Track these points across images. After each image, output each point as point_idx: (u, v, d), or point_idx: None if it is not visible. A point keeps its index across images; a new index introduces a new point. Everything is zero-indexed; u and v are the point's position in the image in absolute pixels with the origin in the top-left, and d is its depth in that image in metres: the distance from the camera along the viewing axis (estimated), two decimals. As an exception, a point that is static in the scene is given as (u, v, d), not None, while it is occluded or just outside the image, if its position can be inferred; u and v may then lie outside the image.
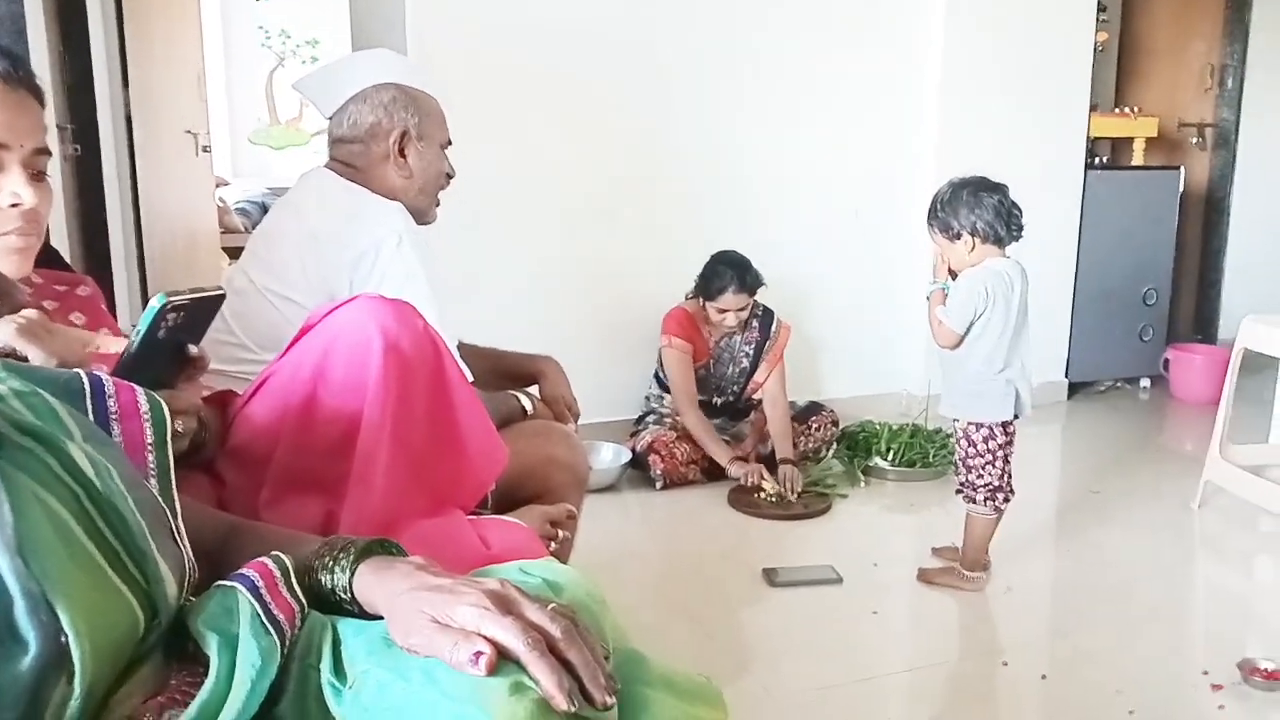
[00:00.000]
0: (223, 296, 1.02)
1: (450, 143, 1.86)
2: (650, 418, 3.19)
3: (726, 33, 3.37)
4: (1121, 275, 4.03)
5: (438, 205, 1.86)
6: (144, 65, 4.10)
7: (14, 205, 1.06)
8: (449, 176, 1.86)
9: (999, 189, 2.24)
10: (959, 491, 2.35)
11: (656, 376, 3.22)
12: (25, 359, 0.96)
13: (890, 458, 3.09)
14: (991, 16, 3.60)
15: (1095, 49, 3.86)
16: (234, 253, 4.90)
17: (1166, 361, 4.10)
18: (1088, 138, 3.90)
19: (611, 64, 3.23)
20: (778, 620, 2.22)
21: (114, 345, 1.01)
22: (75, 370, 0.90)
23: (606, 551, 2.41)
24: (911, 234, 3.62)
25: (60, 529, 0.72)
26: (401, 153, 1.75)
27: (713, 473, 3.02)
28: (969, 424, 2.31)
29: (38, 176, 1.11)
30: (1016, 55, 3.65)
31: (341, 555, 0.83)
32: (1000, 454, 2.29)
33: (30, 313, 0.99)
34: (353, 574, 0.82)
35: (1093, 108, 3.93)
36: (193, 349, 1.03)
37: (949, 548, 2.46)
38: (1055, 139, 3.80)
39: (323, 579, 0.83)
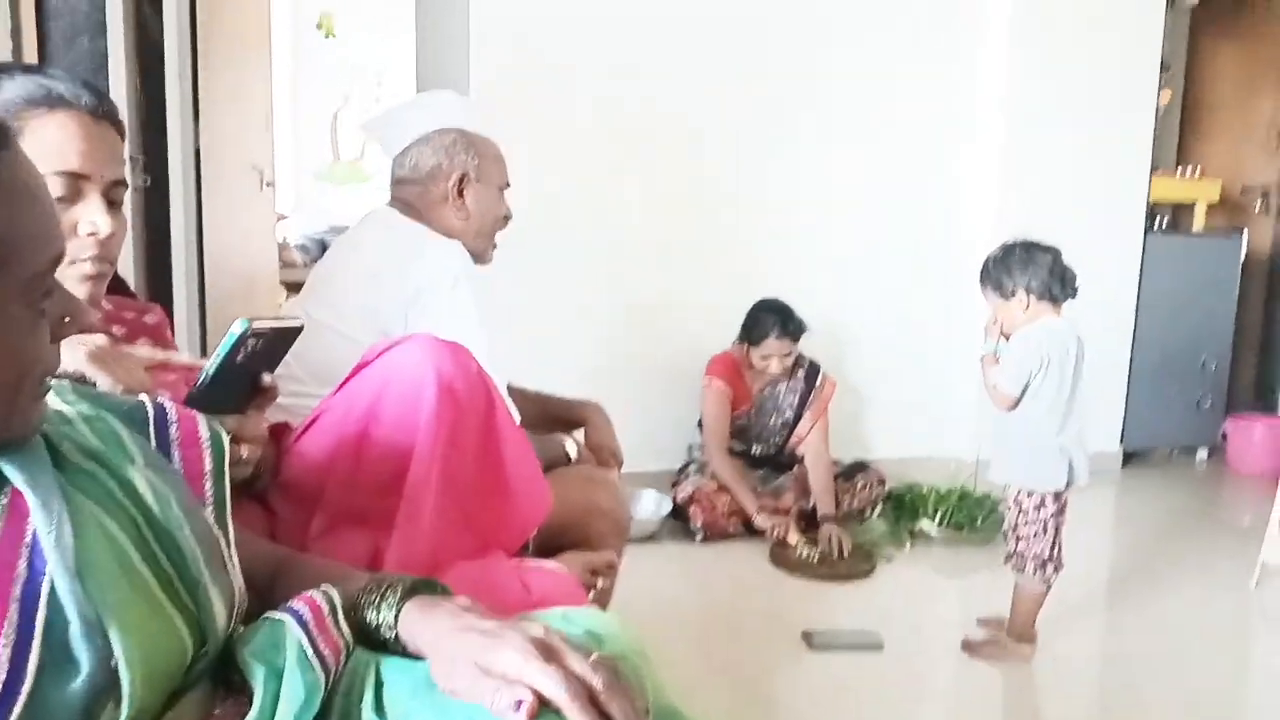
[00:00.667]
0: (301, 329, 1.04)
1: (508, 185, 1.90)
2: (692, 467, 3.18)
3: (786, 76, 3.39)
4: (1180, 342, 3.96)
5: (494, 247, 1.90)
6: (215, 101, 4.23)
7: (91, 234, 1.09)
8: (506, 219, 1.90)
9: (1051, 250, 2.23)
10: (1008, 560, 2.30)
11: (700, 424, 3.21)
12: (93, 384, 0.98)
13: (937, 521, 3.03)
14: (1054, 72, 3.58)
15: (1158, 110, 3.83)
16: (292, 287, 5.00)
17: (1225, 432, 4.00)
18: (1148, 201, 3.85)
19: (667, 105, 3.26)
20: (815, 684, 2.17)
21: (183, 359, 1.03)
22: (140, 398, 0.92)
23: (644, 602, 2.39)
24: (965, 293, 3.58)
25: (117, 554, 0.73)
26: (460, 194, 1.80)
27: (752, 527, 2.98)
28: (1020, 491, 2.26)
29: (114, 207, 1.14)
30: (1078, 113, 3.63)
31: (389, 593, 0.83)
32: (1052, 524, 2.24)
33: (100, 339, 1.01)
34: (398, 612, 0.82)
35: (1154, 167, 3.88)
36: (266, 378, 1.05)
37: (995, 619, 2.40)
38: (1116, 200, 3.75)
39: (368, 616, 0.83)
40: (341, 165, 7.35)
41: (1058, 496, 2.24)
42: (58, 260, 0.71)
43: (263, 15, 5.00)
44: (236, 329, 0.97)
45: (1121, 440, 3.95)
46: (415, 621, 0.80)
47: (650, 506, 3.01)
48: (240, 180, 4.66)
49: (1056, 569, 2.25)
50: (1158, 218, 4.08)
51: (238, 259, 4.67)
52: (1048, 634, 2.32)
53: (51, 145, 1.04)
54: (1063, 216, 3.33)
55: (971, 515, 3.05)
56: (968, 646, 2.32)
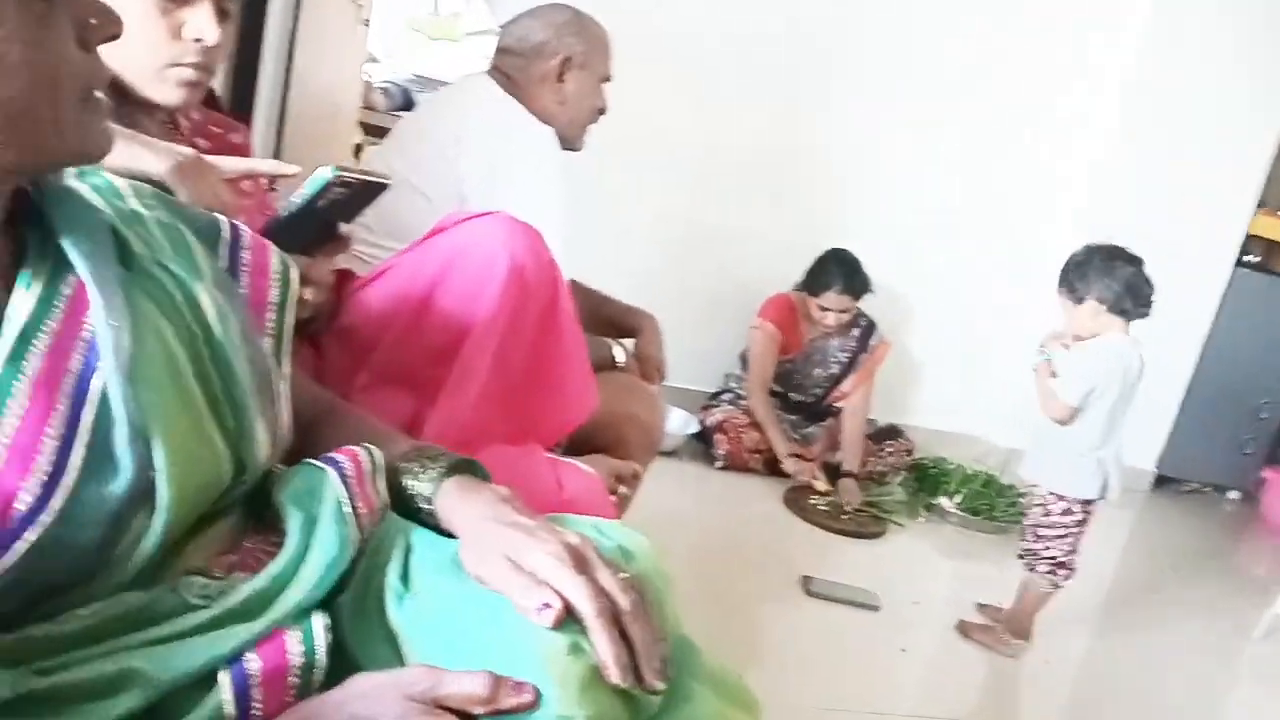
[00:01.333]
0: (386, 187, 1.02)
1: (610, 78, 1.85)
2: (726, 396, 3.17)
3: (891, 24, 3.26)
4: (1241, 381, 3.85)
5: (586, 135, 1.86)
6: (329, -74, 4.14)
7: (197, 40, 1.07)
8: (601, 111, 1.85)
9: (1134, 261, 2.17)
10: (1021, 556, 2.28)
11: (742, 357, 3.19)
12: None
13: (956, 501, 3.01)
14: (1179, 81, 3.40)
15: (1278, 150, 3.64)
16: (368, 129, 4.96)
17: (1262, 480, 3.92)
18: (1245, 234, 3.70)
19: (766, 41, 3.16)
20: (803, 630, 2.19)
21: (267, 166, 1.01)
22: (215, 215, 0.91)
23: (653, 515, 2.38)
24: (1032, 288, 3.50)
25: (171, 364, 0.72)
26: (560, 77, 1.75)
27: (774, 467, 2.99)
28: (1050, 493, 2.23)
29: (224, 16, 1.11)
30: (1194, 130, 3.46)
31: (431, 465, 0.83)
32: (1074, 530, 2.22)
33: (188, 151, 0.99)
34: (437, 487, 0.81)
35: (1261, 204, 3.71)
36: (342, 228, 1.03)
37: (994, 607, 2.40)
38: (1211, 225, 3.61)
39: (407, 483, 0.83)
40: (438, 20, 7.22)
41: (1086, 505, 2.21)
42: None
43: None
44: (325, 174, 0.95)
45: (1158, 463, 3.88)
46: (453, 500, 0.80)
47: (677, 424, 3.01)
48: (336, 11, 4.59)
49: (1068, 575, 2.23)
50: (1250, 253, 3.91)
51: (323, 90, 4.63)
52: (1040, 635, 2.32)
53: None
54: (1149, 230, 3.19)
55: (992, 503, 3.03)
56: (962, 627, 2.33)
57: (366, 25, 5.04)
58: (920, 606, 2.44)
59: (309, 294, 1.01)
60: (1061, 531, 2.21)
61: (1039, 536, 2.24)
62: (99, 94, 0.68)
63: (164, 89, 1.08)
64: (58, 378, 0.66)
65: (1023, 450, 3.22)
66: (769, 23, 3.15)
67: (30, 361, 0.65)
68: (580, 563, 0.71)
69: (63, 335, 0.67)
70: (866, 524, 2.81)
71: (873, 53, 3.27)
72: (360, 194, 1.01)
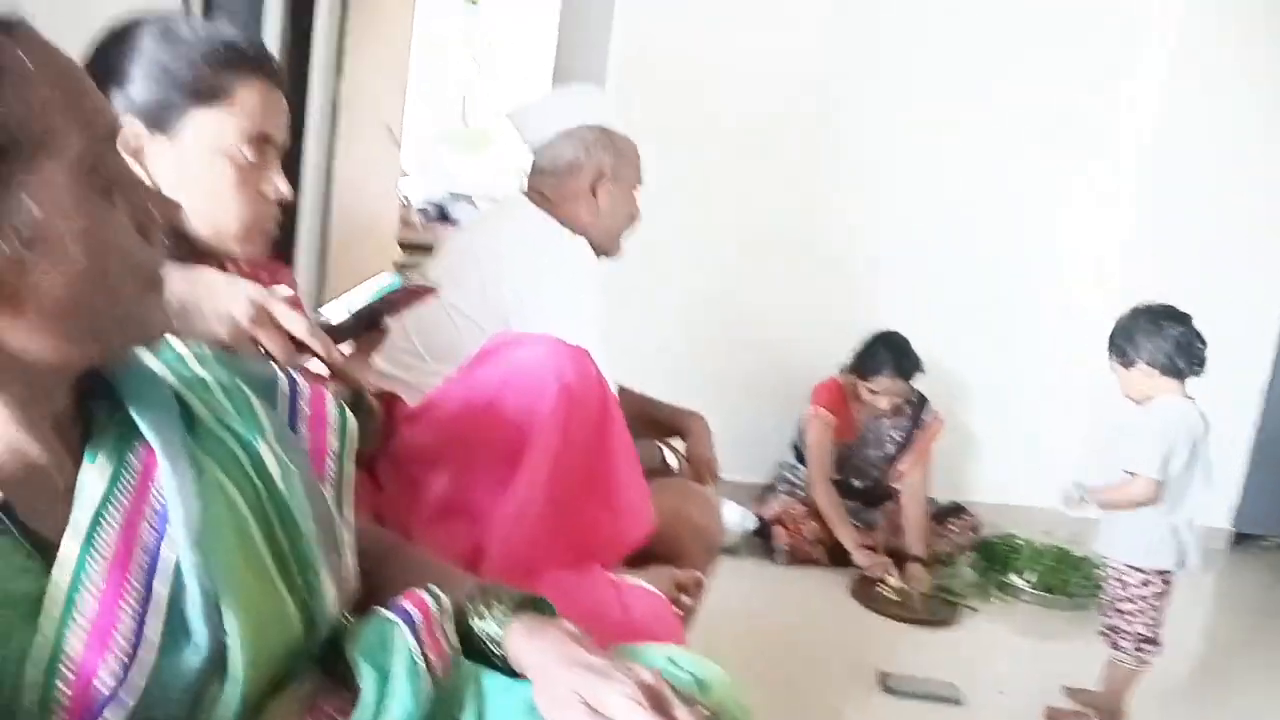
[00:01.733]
0: (435, 292, 1.08)
1: (640, 184, 1.89)
2: (781, 487, 3.12)
3: (911, 93, 3.27)
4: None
5: (622, 242, 1.90)
6: (358, 58, 4.32)
7: (275, 198, 1.11)
8: (634, 218, 1.90)
9: (1182, 319, 2.13)
10: (1103, 634, 2.19)
11: (794, 446, 3.15)
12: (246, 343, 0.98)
13: (1029, 578, 2.92)
14: (1210, 118, 3.37)
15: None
16: (407, 247, 5.09)
17: (1347, 530, 3.75)
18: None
19: (797, 118, 3.19)
20: (886, 729, 2.11)
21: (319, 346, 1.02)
22: (273, 367, 0.92)
23: (719, 618, 2.34)
24: (1084, 346, 3.44)
25: (238, 525, 0.73)
26: (594, 192, 1.80)
27: (838, 556, 2.92)
28: (1126, 565, 2.15)
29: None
30: (1231, 172, 3.42)
31: (496, 605, 0.82)
32: (1154, 603, 2.13)
33: (255, 295, 1.00)
34: (505, 627, 0.80)
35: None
36: (387, 321, 1.06)
37: (1084, 691, 2.29)
38: (1263, 270, 3.54)
39: (474, 624, 0.82)
40: (467, 132, 7.46)
41: (1164, 576, 2.13)
42: (108, 138, 0.68)
43: (412, -22, 5.08)
44: (390, 282, 0.99)
45: (1234, 520, 3.73)
46: (522, 641, 0.79)
47: (735, 520, 2.96)
48: (372, 136, 4.76)
49: (1154, 649, 2.14)
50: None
51: (362, 213, 4.77)
52: (1134, 716, 2.21)
53: (250, 109, 1.06)
54: (1200, 278, 3.16)
55: (1067, 578, 2.92)
56: (1051, 715, 2.23)
57: (399, 146, 5.22)
58: (1005, 696, 2.33)
59: (337, 389, 1.02)
60: (1142, 605, 2.13)
61: (1119, 612, 2.16)
62: (158, 277, 0.71)
63: (248, 246, 1.12)
64: (131, 552, 0.66)
65: (1093, 519, 3.14)
66: (790, 99, 3.17)
67: (104, 538, 0.66)
68: (656, 702, 0.70)
69: (133, 508, 0.68)
70: (939, 610, 2.73)
71: (902, 125, 3.27)
72: (410, 298, 1.05)
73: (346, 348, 1.03)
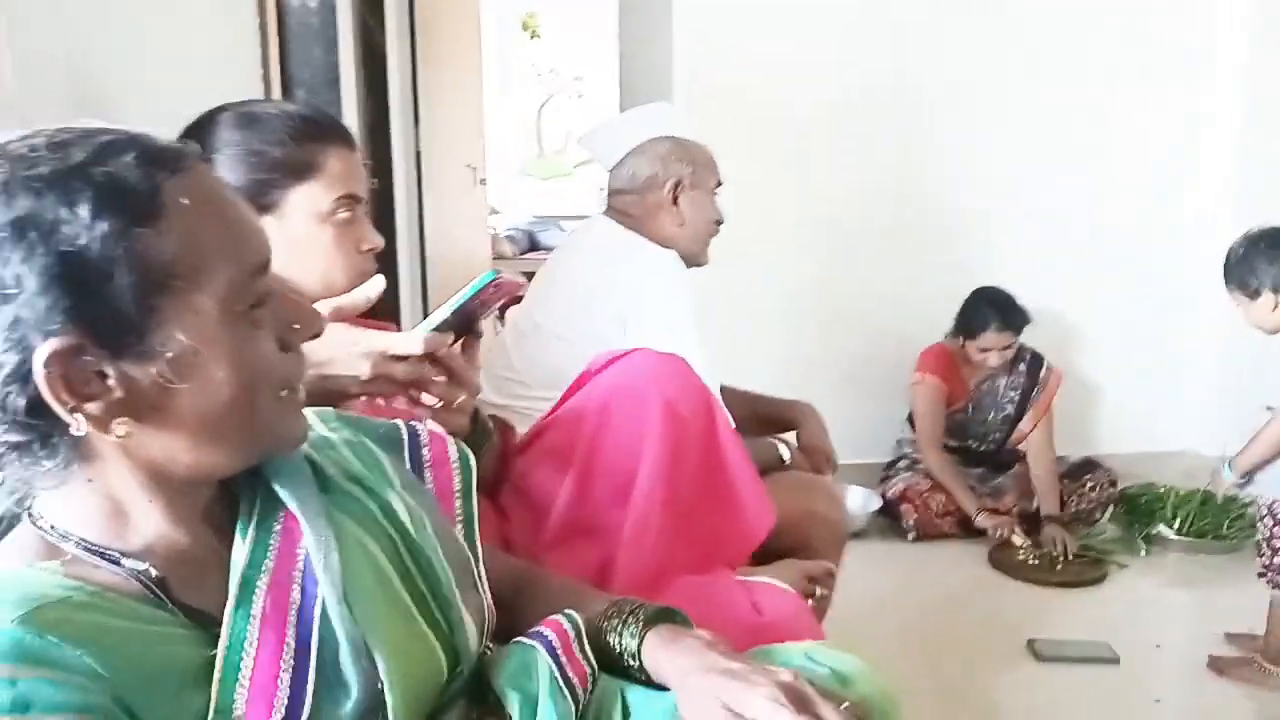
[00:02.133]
0: (522, 286, 1.13)
1: (720, 184, 1.91)
2: (902, 463, 3.08)
3: (994, 61, 3.20)
4: None
5: (709, 248, 1.91)
6: (433, 105, 4.46)
7: (369, 249, 1.20)
8: (719, 223, 1.92)
9: None
10: (1262, 574, 2.10)
11: (910, 419, 3.11)
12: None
13: (1177, 526, 2.80)
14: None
15: None
16: (504, 278, 5.20)
17: None
18: None
19: (874, 95, 3.15)
20: (1041, 698, 2.06)
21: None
22: (395, 421, 0.98)
23: (853, 603, 2.33)
24: (1198, 275, 3.29)
25: (379, 575, 0.77)
26: (675, 201, 1.83)
27: (969, 528, 2.86)
28: (1277, 500, 2.06)
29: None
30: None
31: (630, 619, 0.85)
32: None
33: (375, 345, 1.06)
34: (641, 641, 0.83)
35: None
36: (481, 324, 1.11)
37: (1247, 635, 2.20)
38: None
39: (611, 641, 0.85)
40: (545, 160, 7.59)
41: None
42: (261, 268, 0.71)
43: (474, 20, 5.21)
44: (484, 277, 1.03)
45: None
46: (659, 653, 0.82)
47: (858, 503, 2.94)
48: (457, 179, 4.90)
49: None
50: None
51: (455, 252, 4.91)
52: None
53: (336, 174, 1.16)
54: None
55: (1216, 520, 2.80)
56: (1215, 665, 2.14)
57: (484, 184, 5.35)
58: (1164, 650, 2.26)
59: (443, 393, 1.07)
60: None
61: (1276, 549, 2.06)
62: (297, 386, 0.75)
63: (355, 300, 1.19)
64: (284, 611, 0.71)
65: (1233, 454, 3.00)
66: (862, 82, 3.13)
67: (257, 603, 0.71)
68: (799, 701, 0.72)
69: (282, 571, 0.73)
70: (1085, 570, 2.65)
71: (982, 88, 3.20)
72: (501, 293, 1.08)
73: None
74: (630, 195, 1.84)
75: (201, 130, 1.16)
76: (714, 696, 0.73)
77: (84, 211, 0.62)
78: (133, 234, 0.63)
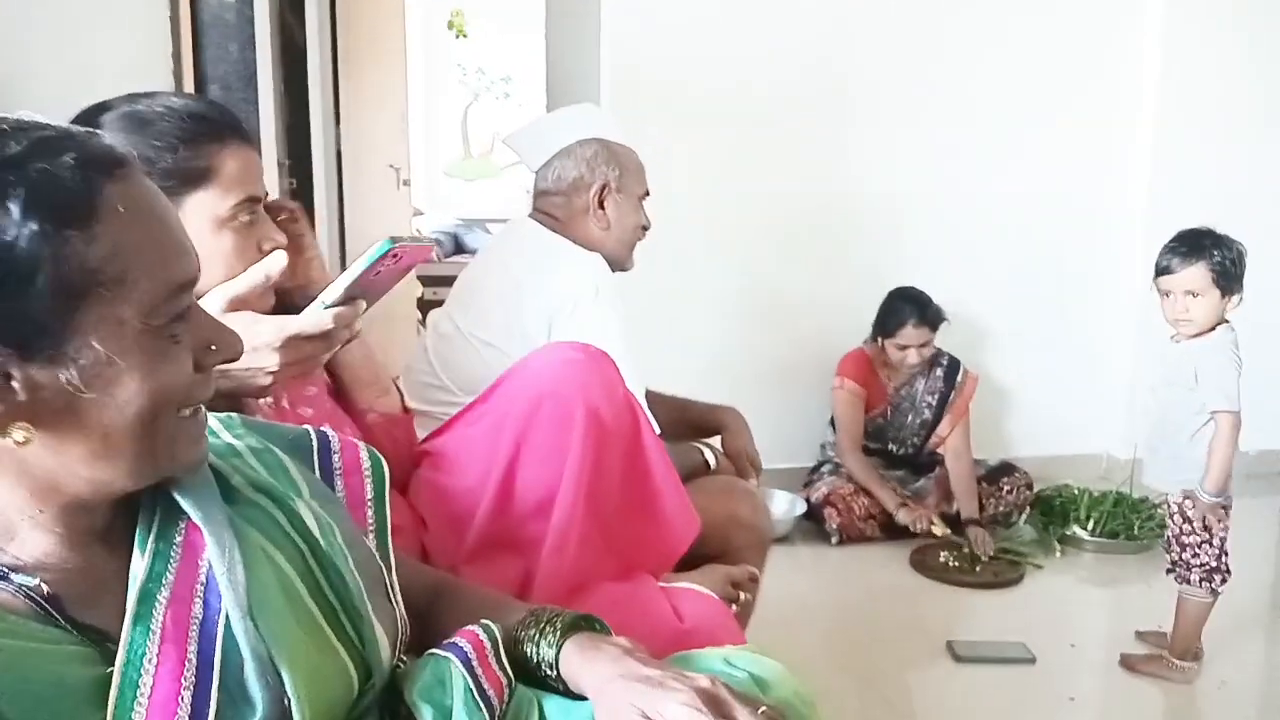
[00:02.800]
0: (430, 250, 1.06)
1: (648, 194, 1.90)
2: (826, 467, 3.11)
3: (916, 67, 3.25)
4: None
5: (633, 253, 1.90)
6: (354, 104, 4.38)
7: (272, 248, 1.14)
8: (644, 228, 1.91)
9: (1227, 238, 2.07)
10: (1170, 571, 2.17)
11: (832, 423, 3.14)
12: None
13: (1090, 527, 2.88)
14: (1214, 50, 3.34)
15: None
16: (426, 279, 5.13)
17: None
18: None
19: (798, 98, 3.17)
20: (959, 698, 2.10)
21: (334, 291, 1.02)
22: (305, 427, 0.94)
23: (778, 607, 2.34)
24: (1111, 280, 3.40)
25: (286, 589, 0.74)
26: (601, 205, 1.81)
27: (892, 530, 2.90)
28: (1184, 497, 2.12)
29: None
30: (1238, 107, 3.38)
31: (548, 629, 0.84)
32: (1218, 530, 2.10)
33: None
34: (558, 650, 0.82)
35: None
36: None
37: (1155, 632, 2.27)
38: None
39: (528, 650, 0.83)
40: (472, 161, 7.51)
41: (1224, 503, 2.10)
42: (187, 285, 0.69)
43: (398, 19, 5.12)
44: (382, 246, 0.97)
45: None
46: (576, 662, 0.81)
47: (783, 507, 2.97)
48: (379, 179, 4.81)
49: (1224, 579, 2.11)
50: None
51: (377, 256, 4.80)
52: (1212, 651, 2.19)
53: (233, 176, 1.09)
54: (1224, 197, 3.11)
55: (1128, 521, 2.89)
56: (1126, 662, 2.20)
57: (408, 185, 5.27)
58: (1078, 649, 2.31)
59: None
60: (1206, 535, 2.10)
61: (1184, 545, 2.13)
62: (202, 407, 0.72)
63: (265, 301, 1.14)
64: (185, 627, 0.68)
65: (1141, 458, 3.09)
66: (789, 83, 3.15)
67: (157, 618, 0.67)
68: (715, 704, 0.71)
69: (181, 583, 0.70)
70: (1002, 571, 2.70)
71: (900, 85, 3.23)
72: (405, 262, 1.02)
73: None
74: (556, 197, 1.82)
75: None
76: (631, 704, 0.72)
77: (14, 207, 0.59)
78: (62, 236, 0.61)
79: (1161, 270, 2.09)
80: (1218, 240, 2.06)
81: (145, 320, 0.65)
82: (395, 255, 0.98)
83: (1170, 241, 2.11)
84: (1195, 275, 2.04)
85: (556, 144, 1.82)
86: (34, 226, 0.60)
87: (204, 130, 1.07)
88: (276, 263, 1.04)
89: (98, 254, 0.62)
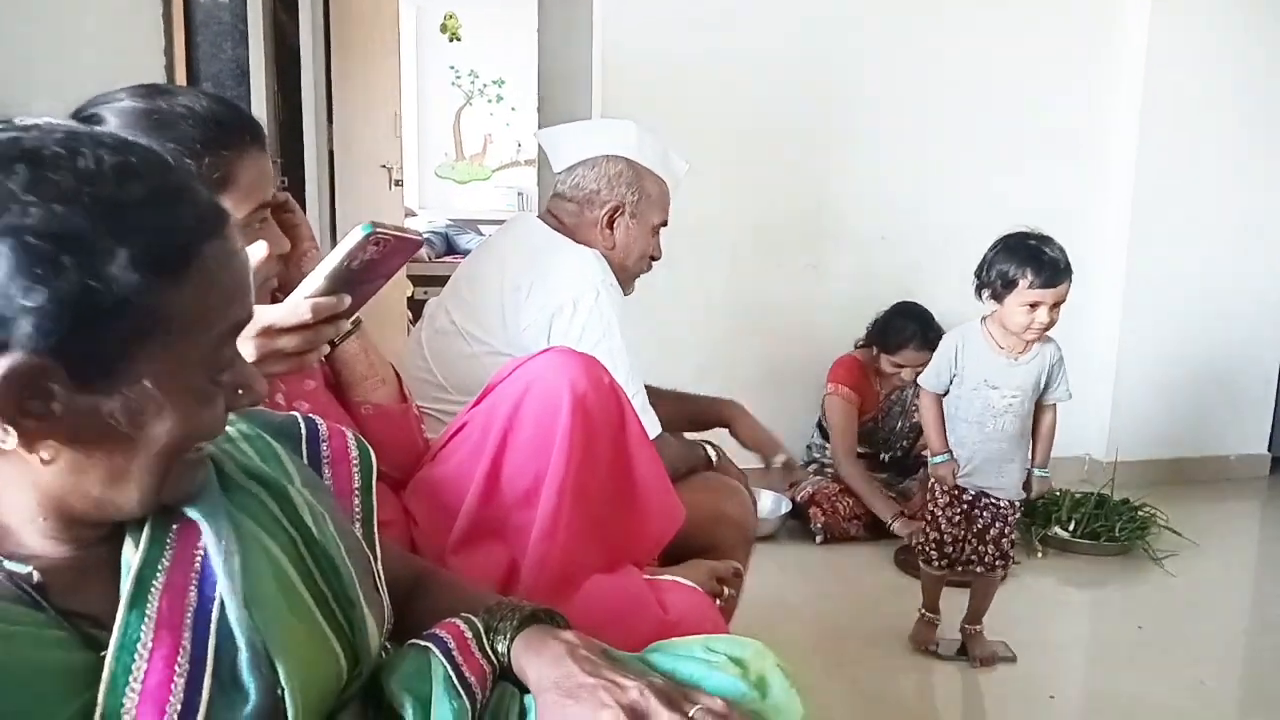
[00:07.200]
0: (420, 244, 1.04)
1: (665, 224, 1.86)
2: (811, 467, 3.14)
3: (909, 77, 3.29)
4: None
5: (634, 281, 1.87)
6: (347, 105, 4.38)
7: (279, 254, 1.14)
8: (653, 259, 1.87)
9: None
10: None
11: (819, 425, 3.16)
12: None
13: (1072, 528, 2.91)
14: (1196, 56, 3.38)
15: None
16: (417, 279, 5.14)
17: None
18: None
19: (792, 102, 3.20)
20: (943, 696, 2.12)
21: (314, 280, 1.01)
22: (293, 414, 0.95)
23: (762, 604, 2.36)
24: (1095, 286, 3.43)
25: (280, 578, 0.75)
26: (610, 224, 1.78)
27: (876, 529, 2.93)
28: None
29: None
30: (1227, 104, 3.42)
31: (504, 622, 0.84)
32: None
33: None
34: (510, 646, 0.83)
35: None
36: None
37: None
38: (1266, 189, 3.51)
39: (492, 643, 0.84)
40: (464, 163, 7.53)
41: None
42: (241, 325, 0.70)
43: (392, 20, 5.13)
44: (360, 231, 0.94)
45: (1270, 445, 3.70)
46: (524, 659, 0.82)
47: (769, 506, 2.98)
48: (371, 179, 4.81)
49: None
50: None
51: (368, 256, 4.80)
52: (1192, 652, 2.21)
53: (249, 184, 1.08)
54: (1202, 221, 3.15)
55: (1109, 523, 2.92)
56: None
57: (400, 185, 5.28)
58: (1059, 648, 2.34)
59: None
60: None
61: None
62: (205, 446, 0.72)
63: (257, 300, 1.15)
64: (180, 613, 0.69)
65: (1131, 462, 3.13)
66: (781, 83, 3.17)
67: (152, 602, 0.68)
68: (667, 699, 0.73)
69: (177, 570, 0.71)
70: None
71: (889, 91, 3.27)
72: (393, 253, 0.99)
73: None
74: (569, 204, 1.79)
75: (96, 122, 1.03)
76: (556, 707, 0.74)
77: (124, 254, 0.60)
78: (156, 286, 0.62)
79: (1047, 282, 2.04)
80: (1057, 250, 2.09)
81: (203, 367, 0.67)
82: (377, 242, 0.96)
83: (1038, 249, 2.07)
84: (1068, 284, 2.06)
85: (586, 151, 1.79)
86: (136, 279, 0.61)
87: (223, 137, 1.05)
88: (257, 253, 1.01)
89: (178, 303, 0.64)
